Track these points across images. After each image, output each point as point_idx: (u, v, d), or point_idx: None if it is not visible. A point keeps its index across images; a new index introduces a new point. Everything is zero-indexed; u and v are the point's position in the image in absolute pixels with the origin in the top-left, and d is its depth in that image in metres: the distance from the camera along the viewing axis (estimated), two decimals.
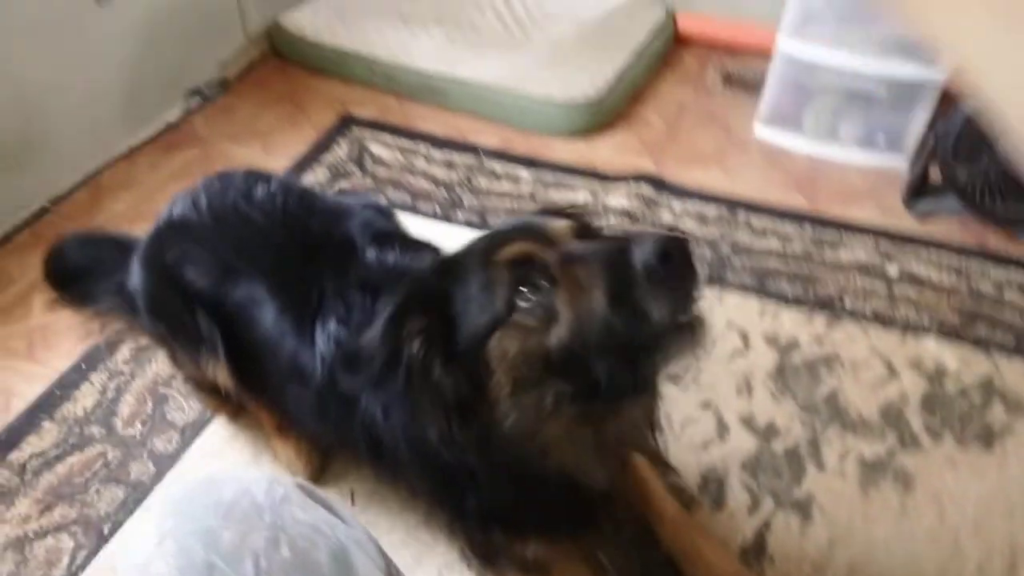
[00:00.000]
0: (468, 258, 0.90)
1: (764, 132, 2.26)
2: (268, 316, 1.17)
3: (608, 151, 2.23)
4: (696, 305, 0.81)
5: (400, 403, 0.95)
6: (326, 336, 1.10)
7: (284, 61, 2.55)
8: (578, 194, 2.03)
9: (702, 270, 1.78)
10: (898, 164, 2.09)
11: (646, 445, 1.07)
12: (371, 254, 1.17)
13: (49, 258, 1.48)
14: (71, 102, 1.99)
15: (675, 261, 0.76)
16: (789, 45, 2.10)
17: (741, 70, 2.53)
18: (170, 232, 1.30)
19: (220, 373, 1.26)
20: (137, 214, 1.98)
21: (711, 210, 1.97)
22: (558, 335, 0.81)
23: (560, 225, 0.91)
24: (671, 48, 2.65)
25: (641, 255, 0.76)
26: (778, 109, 2.25)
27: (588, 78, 2.28)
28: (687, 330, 0.80)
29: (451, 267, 0.91)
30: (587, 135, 2.26)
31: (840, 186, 2.08)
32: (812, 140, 2.19)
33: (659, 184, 2.06)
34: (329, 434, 1.24)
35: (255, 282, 1.18)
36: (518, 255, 0.85)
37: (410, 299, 0.89)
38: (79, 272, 1.46)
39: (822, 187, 2.08)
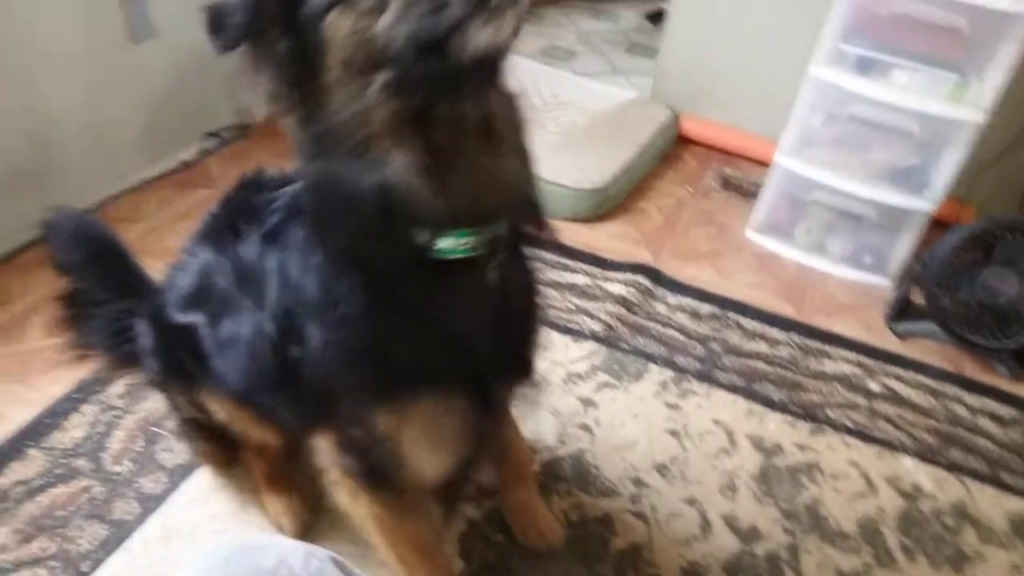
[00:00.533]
0: None
1: (757, 237, 2.37)
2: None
3: (609, 238, 2.31)
4: None
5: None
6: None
7: None
8: (577, 276, 2.10)
9: (693, 365, 1.84)
10: (883, 283, 2.20)
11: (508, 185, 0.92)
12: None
13: (52, 242, 1.39)
14: (91, 131, 2.03)
15: None
16: (787, 162, 2.22)
17: (739, 176, 2.65)
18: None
19: (215, 400, 1.27)
20: (143, 247, 1.97)
21: (704, 307, 2.05)
22: (386, 19, 0.79)
23: None
24: (673, 147, 2.77)
25: None
26: (772, 218, 2.36)
27: (596, 167, 2.37)
28: (484, 14, 0.76)
29: None
30: (590, 221, 2.35)
31: (826, 298, 2.18)
32: (802, 251, 2.30)
33: (656, 276, 2.13)
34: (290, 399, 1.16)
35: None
36: None
37: None
38: (79, 288, 1.40)
39: (809, 297, 2.17)
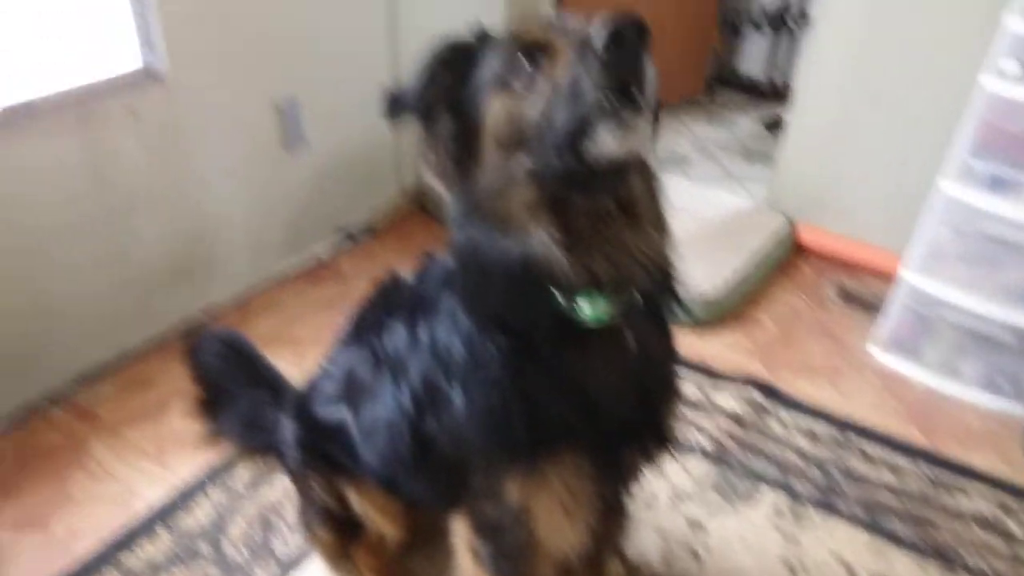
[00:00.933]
0: (500, 36, 0.97)
1: (880, 355, 2.27)
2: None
3: (720, 348, 2.27)
4: (637, 97, 0.81)
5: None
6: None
7: (429, 217, 2.76)
8: (686, 386, 2.07)
9: (810, 491, 1.76)
10: (1022, 412, 2.05)
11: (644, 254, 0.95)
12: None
13: (193, 352, 1.54)
14: (241, 229, 2.23)
15: (619, 49, 0.78)
16: (913, 278, 2.14)
17: (859, 288, 2.57)
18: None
19: (353, 486, 1.32)
20: (277, 335, 2.13)
21: (822, 428, 1.96)
22: (534, 105, 0.86)
23: (574, 19, 0.94)
24: (790, 256, 2.73)
25: (595, 37, 0.79)
26: (896, 335, 2.26)
27: (707, 275, 2.37)
28: (615, 115, 0.80)
29: (485, 37, 0.97)
30: (700, 330, 2.32)
31: (959, 426, 2.04)
32: (931, 372, 2.18)
33: (769, 391, 2.07)
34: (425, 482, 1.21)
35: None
36: (532, 39, 0.90)
37: (442, 54, 0.95)
38: (212, 380, 1.53)
39: (940, 423, 2.04)
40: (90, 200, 1.83)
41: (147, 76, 1.88)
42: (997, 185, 2.00)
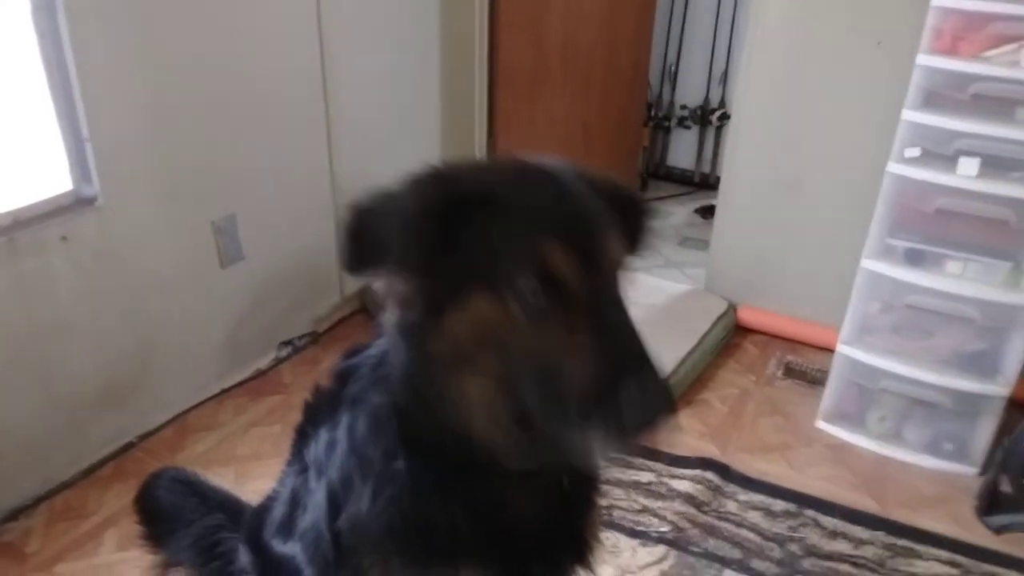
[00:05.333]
0: (518, 201, 0.81)
1: (828, 427, 2.30)
2: None
3: (672, 432, 2.27)
4: (633, 436, 0.75)
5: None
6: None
7: (371, 318, 2.76)
8: (642, 474, 2.05)
9: (771, 569, 1.73)
10: (968, 471, 2.08)
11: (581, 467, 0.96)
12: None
13: (142, 493, 1.51)
14: (177, 348, 2.18)
15: (645, 397, 0.73)
16: (848, 351, 2.20)
17: (802, 362, 2.63)
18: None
19: None
20: (216, 457, 2.06)
21: (778, 504, 1.96)
22: (526, 347, 0.77)
23: (617, 250, 0.85)
24: (733, 336, 2.78)
25: (632, 384, 0.73)
26: (840, 406, 2.30)
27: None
28: (609, 441, 0.76)
29: (489, 198, 0.81)
30: None
31: (909, 490, 2.06)
32: (877, 440, 2.21)
33: (724, 471, 2.07)
34: None
35: None
36: (560, 267, 0.77)
37: (434, 207, 0.79)
38: (164, 514, 1.50)
39: (891, 489, 2.06)
40: (15, 326, 1.78)
41: (79, 202, 1.88)
42: (915, 258, 2.10)
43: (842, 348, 2.22)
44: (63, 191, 1.86)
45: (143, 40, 1.89)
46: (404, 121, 2.83)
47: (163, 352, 2.14)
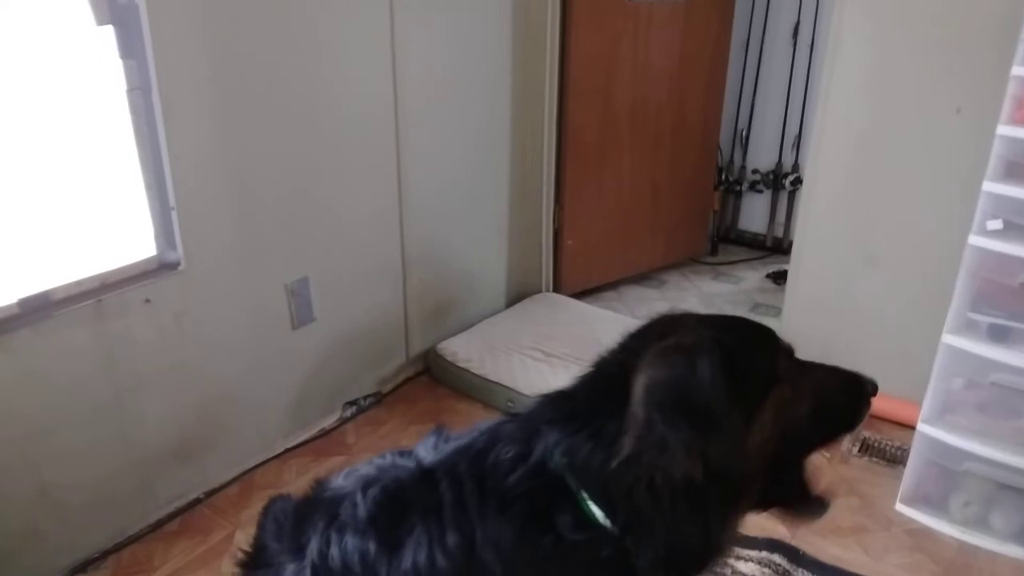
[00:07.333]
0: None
1: (907, 511, 2.16)
2: None
3: None
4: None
5: None
6: None
7: (435, 381, 2.79)
8: None
9: None
10: None
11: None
12: None
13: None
14: (246, 407, 2.25)
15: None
16: (930, 430, 2.08)
17: (879, 438, 2.50)
18: None
19: None
20: None
21: None
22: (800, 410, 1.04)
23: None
24: None
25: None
26: (921, 489, 2.17)
27: None
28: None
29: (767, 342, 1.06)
30: None
31: None
32: (961, 527, 2.07)
33: (794, 555, 1.97)
34: None
35: None
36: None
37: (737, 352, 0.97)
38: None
39: None
40: (97, 384, 1.87)
41: (163, 266, 1.98)
42: (999, 334, 1.99)
43: (923, 427, 2.10)
44: (148, 256, 1.97)
45: (228, 119, 2.01)
46: (472, 185, 2.90)
47: (233, 411, 2.21)
